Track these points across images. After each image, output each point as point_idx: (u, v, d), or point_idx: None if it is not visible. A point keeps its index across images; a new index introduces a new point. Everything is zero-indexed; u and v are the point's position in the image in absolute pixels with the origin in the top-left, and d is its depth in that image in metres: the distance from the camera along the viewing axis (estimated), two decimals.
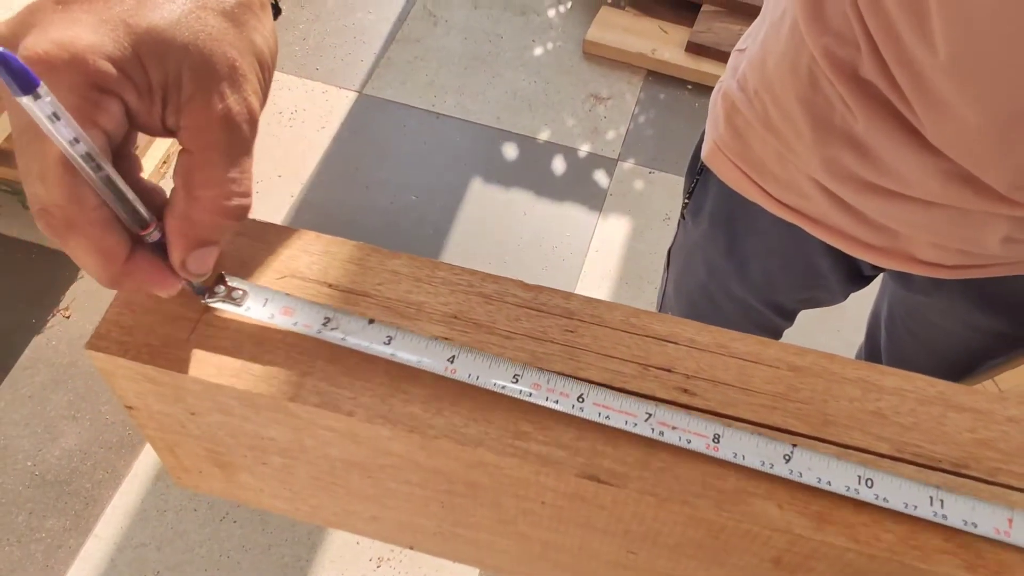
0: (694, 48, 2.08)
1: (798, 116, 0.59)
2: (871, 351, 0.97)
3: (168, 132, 0.30)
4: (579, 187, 1.90)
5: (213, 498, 1.42)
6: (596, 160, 1.95)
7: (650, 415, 0.33)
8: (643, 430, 0.33)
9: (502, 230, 1.81)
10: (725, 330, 0.37)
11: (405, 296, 0.37)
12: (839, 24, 0.52)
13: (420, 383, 0.34)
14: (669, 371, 0.35)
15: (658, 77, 2.12)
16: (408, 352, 0.34)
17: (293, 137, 1.92)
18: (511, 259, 1.76)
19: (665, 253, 0.97)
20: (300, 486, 0.42)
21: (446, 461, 0.34)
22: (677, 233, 0.89)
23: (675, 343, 0.36)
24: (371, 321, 0.35)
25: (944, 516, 0.31)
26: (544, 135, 1.98)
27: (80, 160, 0.27)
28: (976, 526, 0.31)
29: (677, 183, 1.91)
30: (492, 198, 1.86)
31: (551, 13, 2.25)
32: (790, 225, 0.70)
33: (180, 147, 0.30)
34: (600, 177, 1.92)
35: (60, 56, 0.26)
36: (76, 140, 0.26)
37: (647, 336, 0.36)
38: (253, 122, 0.30)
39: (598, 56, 2.15)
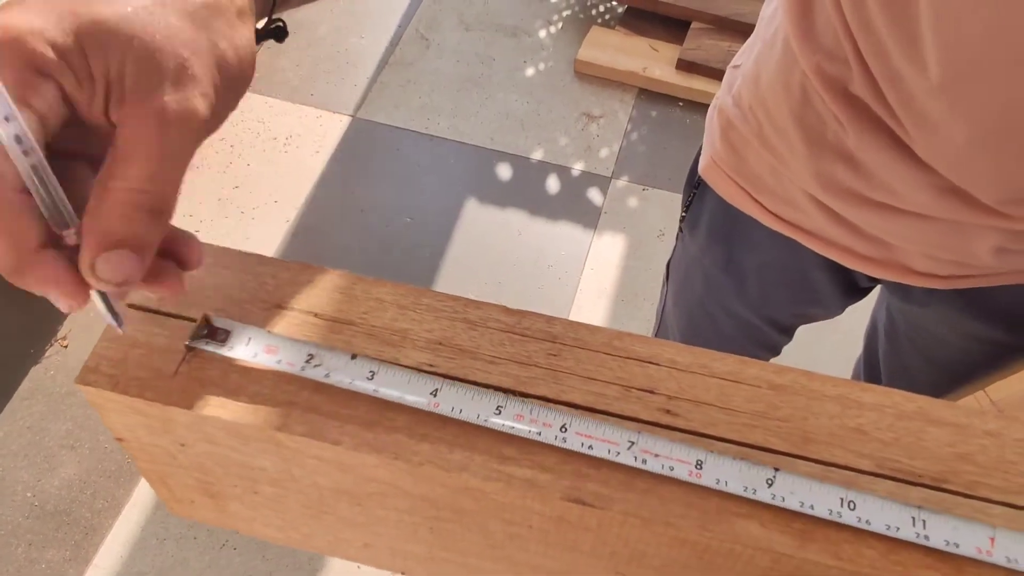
0: (684, 65, 2.09)
1: (791, 131, 0.60)
2: (869, 362, 0.97)
3: (113, 126, 0.30)
4: (573, 205, 1.91)
5: (213, 526, 1.41)
6: (590, 178, 1.96)
7: (632, 443, 0.33)
8: (626, 459, 0.33)
9: (497, 250, 1.82)
10: (706, 350, 0.37)
11: (390, 324, 0.37)
12: (829, 42, 0.53)
13: (405, 410, 0.35)
14: (651, 392, 0.36)
15: (649, 95, 2.14)
16: (391, 387, 0.34)
17: (288, 162, 1.93)
18: (507, 279, 1.77)
19: (663, 268, 0.98)
20: (291, 515, 0.42)
21: (432, 487, 0.35)
22: (676, 246, 0.89)
23: (657, 364, 0.37)
24: (354, 356, 0.35)
25: (926, 537, 0.32)
26: (537, 155, 1.99)
27: (10, 140, 0.27)
28: (958, 546, 0.32)
29: (671, 199, 1.92)
30: (487, 218, 1.87)
31: (542, 34, 2.28)
32: (786, 239, 0.70)
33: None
34: (594, 195, 1.93)
35: (0, 37, 0.27)
36: (7, 119, 0.26)
37: (629, 358, 0.37)
38: (193, 125, 0.29)
39: (589, 75, 2.17)
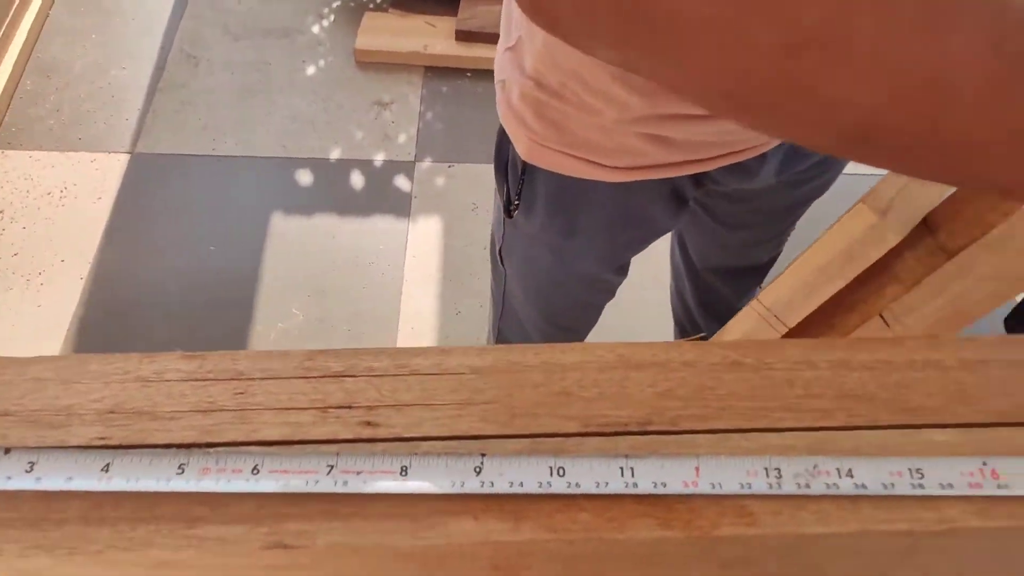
0: (463, 36, 2.09)
1: (618, 92, 0.61)
2: (684, 258, 1.06)
3: None
4: (382, 197, 1.87)
5: None
6: (393, 166, 1.93)
7: (332, 466, 0.31)
8: (326, 486, 0.31)
9: (313, 259, 1.76)
10: (403, 348, 0.36)
11: (52, 403, 0.34)
12: None
13: (76, 495, 0.31)
14: (350, 408, 0.34)
15: (436, 71, 2.12)
16: (55, 475, 0.31)
17: (68, 216, 1.79)
18: (329, 286, 1.72)
19: (484, 241, 0.97)
20: None
21: (124, 572, 0.32)
22: (504, 233, 0.88)
23: (353, 376, 0.35)
24: (7, 451, 0.31)
25: (635, 484, 0.32)
26: (335, 153, 1.94)
27: None
28: (665, 485, 0.32)
29: (478, 172, 1.92)
30: (295, 229, 1.80)
31: (315, 29, 2.20)
32: (621, 187, 0.72)
33: None
34: (401, 182, 1.90)
35: None
36: None
37: (324, 376, 0.35)
38: None
39: (372, 63, 2.13)
